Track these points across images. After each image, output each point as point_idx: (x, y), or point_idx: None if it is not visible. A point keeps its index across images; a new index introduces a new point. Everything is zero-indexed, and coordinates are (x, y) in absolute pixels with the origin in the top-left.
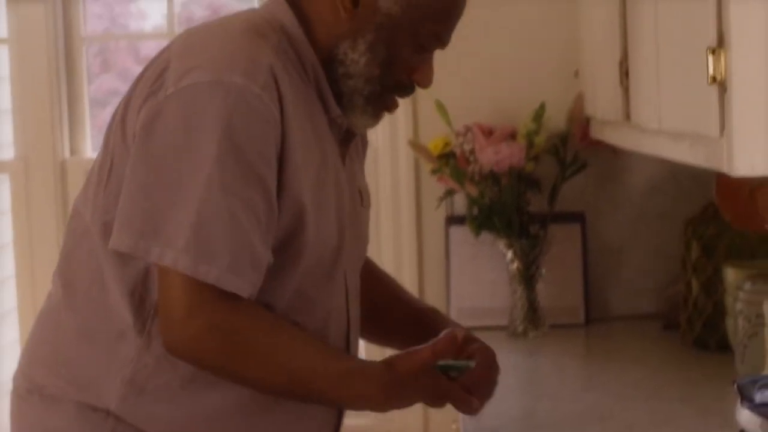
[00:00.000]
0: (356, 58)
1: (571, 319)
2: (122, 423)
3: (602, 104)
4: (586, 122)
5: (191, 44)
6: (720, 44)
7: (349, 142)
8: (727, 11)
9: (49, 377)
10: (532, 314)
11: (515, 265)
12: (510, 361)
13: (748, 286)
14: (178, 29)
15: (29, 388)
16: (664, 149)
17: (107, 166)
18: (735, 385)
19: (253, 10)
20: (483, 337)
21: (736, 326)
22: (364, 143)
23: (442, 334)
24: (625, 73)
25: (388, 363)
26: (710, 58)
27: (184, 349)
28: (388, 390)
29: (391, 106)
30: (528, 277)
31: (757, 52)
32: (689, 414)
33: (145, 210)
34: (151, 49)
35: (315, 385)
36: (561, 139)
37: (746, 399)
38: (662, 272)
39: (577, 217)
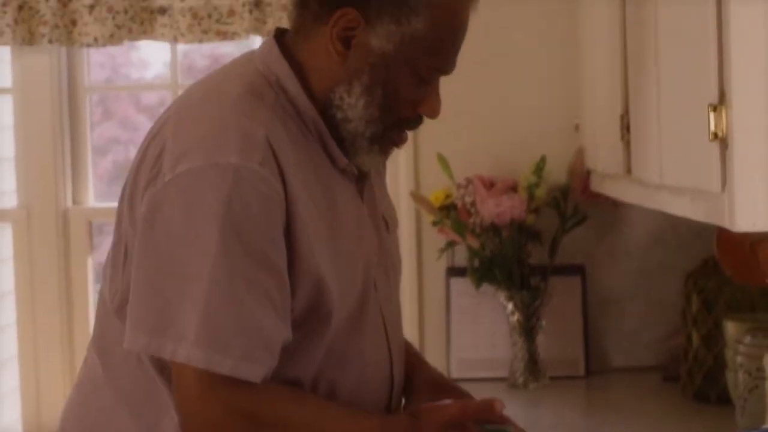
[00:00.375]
0: (353, 102)
1: (572, 371)
2: None
3: (603, 158)
4: (587, 175)
5: (184, 120)
6: (721, 101)
7: (366, 179)
8: (729, 68)
9: None
10: (533, 366)
11: (516, 316)
12: (510, 412)
13: (748, 339)
14: (181, 78)
15: None
16: (665, 203)
17: (122, 250)
18: None
19: (250, 60)
20: (483, 388)
21: (737, 379)
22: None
23: (479, 399)
24: (626, 128)
25: (413, 415)
26: (711, 115)
27: None
28: None
29: (399, 141)
30: (528, 328)
31: (758, 109)
32: None
33: (153, 307)
34: (151, 98)
35: None
36: (562, 191)
37: None
38: (663, 325)
39: (578, 269)
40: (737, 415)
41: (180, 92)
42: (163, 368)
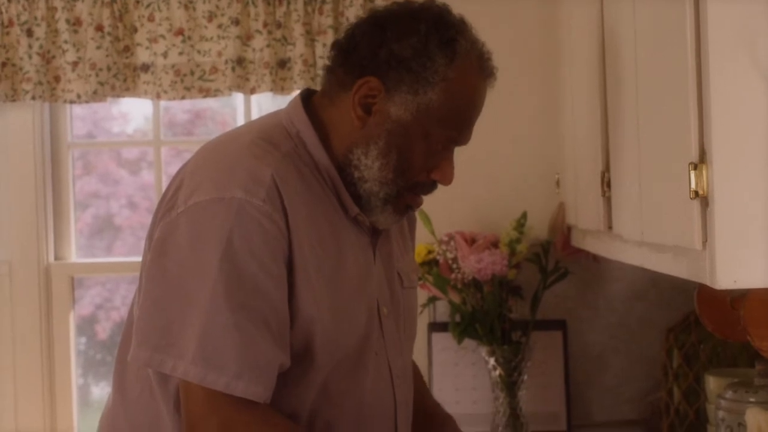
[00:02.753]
0: (369, 163)
1: (554, 426)
2: None
3: (584, 214)
4: (568, 231)
5: (201, 160)
6: (702, 159)
7: (380, 235)
8: (709, 127)
9: None
10: (515, 421)
11: (497, 371)
12: None
13: (729, 394)
14: (163, 132)
15: None
16: (646, 260)
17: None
18: None
19: (276, 113)
20: None
21: None
22: (411, 227)
23: None
24: (607, 184)
25: None
26: (692, 173)
27: None
28: None
29: (414, 204)
30: (510, 383)
31: (738, 168)
32: None
33: (158, 325)
34: (132, 153)
35: None
36: (543, 247)
37: None
38: (644, 379)
39: (559, 324)
40: None
41: (162, 148)
42: (175, 401)
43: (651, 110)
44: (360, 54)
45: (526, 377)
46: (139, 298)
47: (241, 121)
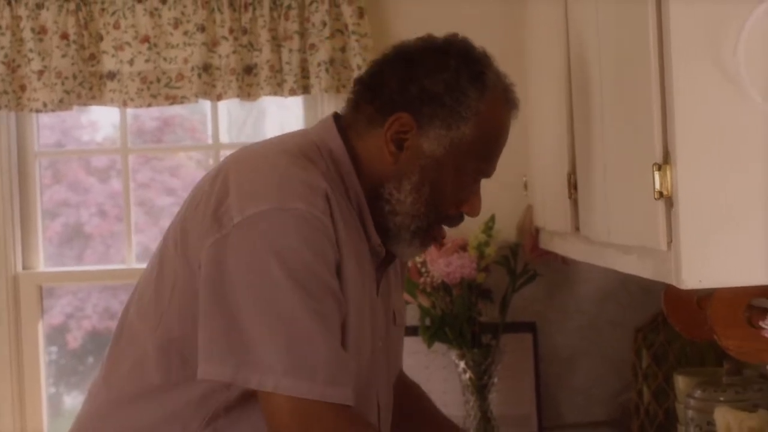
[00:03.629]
0: (402, 198)
1: (524, 428)
2: None
3: (551, 216)
4: (536, 233)
5: (248, 171)
6: (666, 160)
7: (385, 269)
8: (673, 128)
9: None
10: (485, 424)
11: (467, 374)
12: None
13: (698, 393)
14: (132, 140)
15: None
16: (613, 261)
17: (169, 286)
18: None
19: (305, 132)
20: None
21: None
22: (403, 266)
23: None
24: (573, 186)
25: None
26: (656, 174)
27: None
28: None
29: (439, 237)
30: (480, 386)
31: (702, 168)
32: None
33: (235, 341)
34: (101, 161)
35: None
36: (511, 250)
37: None
38: (614, 380)
39: (529, 327)
40: None
41: (130, 156)
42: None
43: (616, 111)
44: (389, 90)
45: (496, 380)
46: (202, 309)
47: (209, 127)
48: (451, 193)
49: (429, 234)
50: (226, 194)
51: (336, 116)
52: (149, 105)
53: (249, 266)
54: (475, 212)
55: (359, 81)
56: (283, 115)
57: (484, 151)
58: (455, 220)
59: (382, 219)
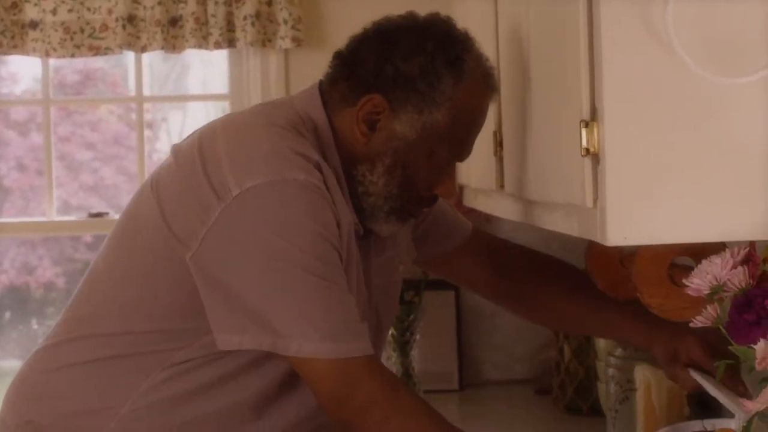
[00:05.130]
0: (374, 179)
1: (446, 385)
2: None
3: (476, 173)
4: (460, 191)
5: (240, 141)
6: (593, 117)
7: (369, 237)
8: (600, 85)
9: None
10: (407, 380)
11: (390, 331)
12: None
13: (619, 351)
14: (53, 93)
15: None
16: (538, 219)
17: (147, 257)
18: None
19: (290, 101)
20: None
21: (608, 391)
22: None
23: None
24: (499, 143)
25: None
26: (584, 131)
27: (356, 422)
28: None
29: (416, 213)
30: (402, 343)
31: (629, 125)
32: None
33: (264, 310)
34: (21, 113)
35: None
36: None
37: None
38: (535, 338)
39: (452, 284)
40: (608, 426)
41: (51, 108)
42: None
43: (543, 69)
44: (365, 69)
45: (418, 337)
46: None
47: (132, 81)
48: (424, 176)
49: (404, 211)
50: (219, 163)
51: (321, 86)
52: (72, 55)
53: (260, 237)
54: (449, 194)
55: (338, 55)
56: (206, 71)
57: (457, 136)
58: (429, 201)
59: (356, 200)
